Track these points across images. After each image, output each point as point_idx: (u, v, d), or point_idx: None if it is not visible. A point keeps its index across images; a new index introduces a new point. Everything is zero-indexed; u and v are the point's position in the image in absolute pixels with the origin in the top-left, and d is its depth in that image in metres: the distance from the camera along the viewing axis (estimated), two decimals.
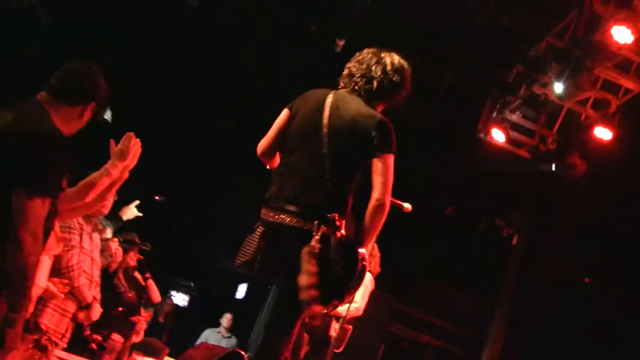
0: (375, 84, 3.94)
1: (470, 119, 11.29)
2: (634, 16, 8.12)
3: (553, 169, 10.85)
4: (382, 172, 3.73)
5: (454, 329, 13.29)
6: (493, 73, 10.95)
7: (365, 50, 4.06)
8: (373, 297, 6.50)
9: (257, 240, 3.79)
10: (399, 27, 10.77)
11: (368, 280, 7.28)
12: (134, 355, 7.76)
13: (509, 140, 10.93)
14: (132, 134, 3.84)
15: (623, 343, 12.04)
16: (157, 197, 13.80)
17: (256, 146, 4.04)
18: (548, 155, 10.83)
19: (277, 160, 4.01)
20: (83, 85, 3.46)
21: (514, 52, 10.46)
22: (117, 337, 7.24)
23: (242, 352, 4.39)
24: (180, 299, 16.60)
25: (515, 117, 10.79)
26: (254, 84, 11.72)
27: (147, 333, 8.65)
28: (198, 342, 11.48)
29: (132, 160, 3.83)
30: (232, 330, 11.78)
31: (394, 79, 4.01)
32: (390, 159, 3.78)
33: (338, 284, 3.60)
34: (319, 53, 10.83)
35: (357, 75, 3.97)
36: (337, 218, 3.62)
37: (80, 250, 5.25)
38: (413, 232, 11.62)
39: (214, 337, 11.53)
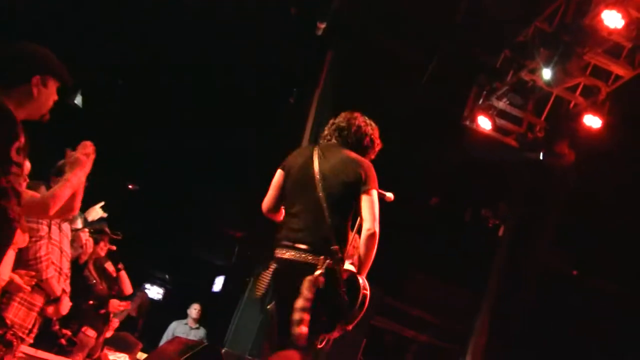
0: (367, 139, 4.79)
1: (456, 106, 11.27)
2: (625, 0, 8.12)
3: (541, 157, 10.86)
4: (370, 205, 4.48)
5: (438, 322, 13.30)
6: (479, 59, 10.92)
7: (348, 112, 4.90)
8: None
9: (270, 275, 4.50)
10: (382, 11, 10.73)
11: None
12: (106, 351, 7.69)
13: (496, 128, 10.92)
14: (88, 142, 4.04)
15: (611, 336, 12.12)
16: (130, 186, 13.70)
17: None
18: (536, 144, 10.84)
19: (282, 213, 4.73)
20: (12, 62, 3.47)
21: (501, 37, 10.43)
22: (90, 333, 7.16)
23: (219, 347, 4.41)
24: (154, 292, 16.52)
25: (502, 104, 10.77)
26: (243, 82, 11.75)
27: (120, 327, 8.58)
28: (165, 335, 11.40)
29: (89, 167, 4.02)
30: (202, 321, 11.73)
31: (377, 137, 4.88)
32: (375, 193, 4.54)
33: (344, 310, 4.37)
34: (300, 36, 10.80)
35: (350, 130, 4.77)
36: (338, 251, 4.35)
37: (48, 241, 5.16)
38: (396, 223, 11.60)
39: (182, 329, 11.44)
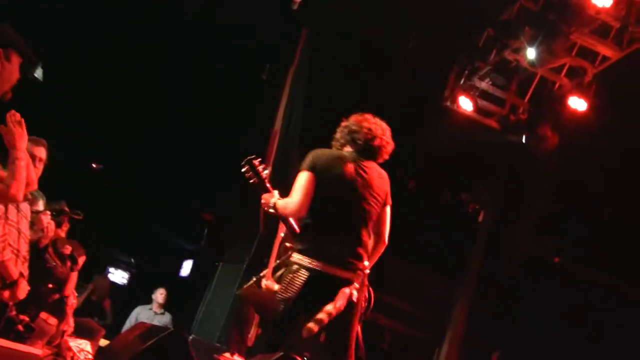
0: (377, 141, 5.03)
1: (437, 86, 11.25)
2: None
3: (523, 140, 10.89)
4: (389, 219, 5.15)
5: (413, 311, 13.30)
6: (461, 37, 10.89)
7: (359, 114, 5.14)
8: None
9: (302, 282, 4.77)
10: None
11: None
12: (66, 337, 7.62)
13: (477, 109, 10.95)
14: (13, 111, 4.08)
15: (598, 327, 12.16)
16: (94, 165, 13.55)
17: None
18: (518, 126, 10.87)
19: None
20: None
21: (485, 15, 10.41)
22: (52, 321, 7.08)
23: (184, 333, 4.42)
24: (119, 276, 16.38)
25: (484, 85, 10.79)
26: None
27: (82, 313, 8.51)
28: (128, 320, 11.35)
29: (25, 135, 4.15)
30: (168, 307, 11.69)
31: (385, 138, 5.11)
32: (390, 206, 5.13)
33: (365, 312, 5.12)
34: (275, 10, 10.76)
35: (361, 132, 5.04)
36: (368, 267, 4.90)
37: (5, 222, 5.08)
38: None
39: (146, 314, 11.39)
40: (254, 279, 7.81)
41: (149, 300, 11.71)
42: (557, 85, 10.39)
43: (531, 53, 9.20)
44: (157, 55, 11.72)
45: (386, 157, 5.14)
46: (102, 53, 11.50)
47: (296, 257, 4.87)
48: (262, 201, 5.09)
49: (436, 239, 12.59)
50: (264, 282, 7.50)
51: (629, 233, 11.39)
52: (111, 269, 16.16)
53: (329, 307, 4.62)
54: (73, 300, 7.50)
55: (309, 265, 4.80)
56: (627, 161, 10.74)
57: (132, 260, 17.10)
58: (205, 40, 11.30)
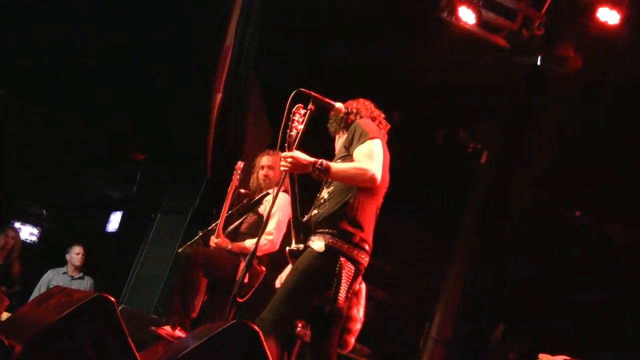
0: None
1: None
2: None
3: (538, 63, 10.85)
4: None
5: (400, 274, 13.35)
6: None
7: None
8: None
9: (355, 278, 5.21)
10: None
11: (285, 203, 7.06)
12: None
13: (481, 22, 10.86)
14: None
15: (611, 288, 12.21)
16: None
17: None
18: (533, 45, 10.82)
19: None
20: None
21: None
22: None
23: (111, 298, 4.28)
24: (26, 232, 16.27)
25: None
26: None
27: None
28: (37, 288, 11.42)
29: None
30: (89, 270, 11.64)
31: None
32: None
33: None
34: None
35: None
36: None
37: None
38: None
39: (60, 279, 11.44)
40: (200, 233, 7.73)
41: (62, 262, 11.62)
42: None
43: None
44: None
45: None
46: None
47: (353, 249, 5.17)
48: (291, 160, 5.07)
49: (429, 186, 12.59)
50: (213, 239, 7.40)
51: None
52: (17, 224, 16.03)
53: (362, 314, 5.36)
54: None
55: (361, 262, 5.23)
56: None
57: (44, 212, 17.00)
58: None
